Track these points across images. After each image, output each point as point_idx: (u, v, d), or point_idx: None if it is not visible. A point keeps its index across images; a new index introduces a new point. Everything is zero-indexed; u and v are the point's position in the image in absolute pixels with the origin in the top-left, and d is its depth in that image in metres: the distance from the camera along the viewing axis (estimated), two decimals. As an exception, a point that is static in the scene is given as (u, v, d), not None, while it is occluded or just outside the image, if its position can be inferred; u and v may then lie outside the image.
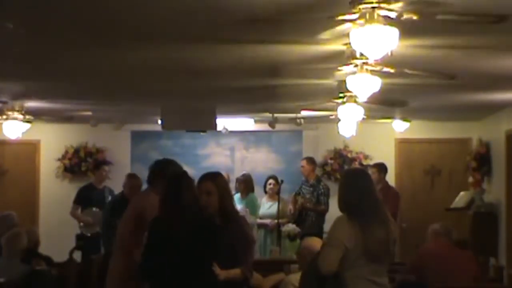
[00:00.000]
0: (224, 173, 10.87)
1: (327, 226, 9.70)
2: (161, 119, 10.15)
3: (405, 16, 4.10)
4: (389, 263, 4.62)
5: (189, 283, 4.49)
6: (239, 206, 9.25)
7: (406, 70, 5.79)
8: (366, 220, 4.34)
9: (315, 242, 5.41)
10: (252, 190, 9.92)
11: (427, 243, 6.41)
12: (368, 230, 4.32)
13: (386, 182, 10.02)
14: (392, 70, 5.71)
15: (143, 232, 4.93)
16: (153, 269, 4.57)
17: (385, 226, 4.41)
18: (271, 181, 10.00)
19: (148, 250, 4.63)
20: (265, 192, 10.08)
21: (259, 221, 9.71)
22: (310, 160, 10.21)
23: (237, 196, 9.77)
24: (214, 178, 4.88)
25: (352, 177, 4.64)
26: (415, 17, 4.10)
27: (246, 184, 9.86)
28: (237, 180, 10.10)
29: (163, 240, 4.55)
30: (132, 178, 8.45)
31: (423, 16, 4.12)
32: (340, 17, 4.21)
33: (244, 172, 10.38)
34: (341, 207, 4.50)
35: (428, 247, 6.33)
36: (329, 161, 11.83)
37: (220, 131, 11.32)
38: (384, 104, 7.97)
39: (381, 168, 9.92)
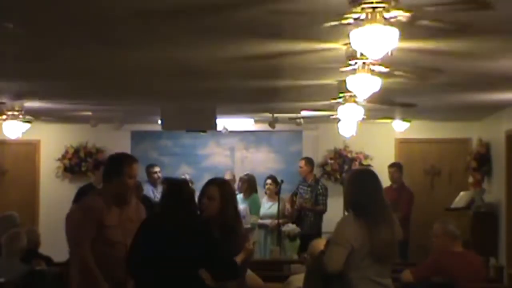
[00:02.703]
0: (228, 172, 10.91)
1: (325, 226, 9.76)
2: (161, 119, 10.15)
3: (406, 15, 4.10)
4: (393, 263, 4.62)
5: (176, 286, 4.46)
6: (241, 206, 9.26)
7: (397, 72, 5.80)
8: (373, 221, 4.34)
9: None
10: (255, 190, 9.92)
11: (441, 242, 6.03)
12: (374, 231, 4.31)
13: (403, 182, 10.10)
14: (387, 69, 5.71)
15: None
16: (138, 267, 4.54)
17: (391, 227, 4.42)
18: (268, 181, 10.01)
19: (136, 247, 4.59)
20: (265, 192, 10.09)
21: (259, 221, 9.72)
22: (308, 161, 10.23)
23: (239, 196, 9.78)
24: (220, 184, 4.84)
25: (361, 177, 4.62)
26: (408, 14, 4.09)
27: (249, 184, 9.86)
28: (241, 179, 10.10)
29: (152, 240, 4.51)
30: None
31: (420, 13, 4.11)
32: (340, 17, 4.21)
33: (248, 172, 10.38)
34: (348, 207, 4.49)
35: (446, 248, 5.99)
36: (329, 161, 11.83)
37: (220, 131, 11.33)
38: (392, 105, 7.95)
39: (400, 167, 10.18)
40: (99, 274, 4.89)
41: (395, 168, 10.20)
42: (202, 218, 4.69)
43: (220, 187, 4.78)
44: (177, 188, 4.69)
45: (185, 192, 4.63)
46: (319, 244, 5.59)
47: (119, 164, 5.13)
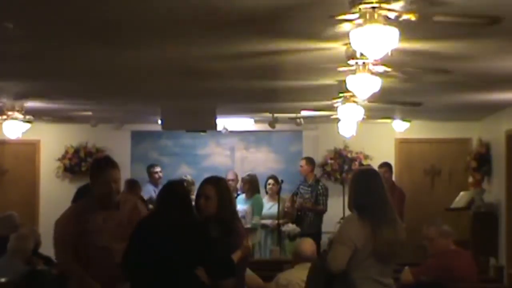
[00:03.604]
0: (231, 172, 10.88)
1: (325, 226, 9.77)
2: (161, 119, 10.15)
3: (404, 16, 4.10)
4: (395, 263, 4.63)
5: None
6: (243, 207, 9.24)
7: (408, 69, 5.79)
8: (376, 221, 4.34)
9: (309, 245, 5.71)
10: (258, 191, 9.89)
11: (438, 244, 6.13)
12: (378, 231, 4.32)
13: (393, 182, 10.09)
14: (391, 70, 5.71)
15: None
16: (134, 267, 4.53)
17: (394, 227, 4.42)
18: (270, 181, 10.00)
19: (131, 247, 4.58)
20: (266, 192, 10.08)
21: (261, 221, 9.71)
22: (309, 161, 10.25)
23: (241, 197, 9.77)
24: (216, 182, 4.81)
25: (365, 177, 4.61)
26: (413, 18, 4.10)
27: (251, 184, 9.83)
28: (242, 180, 10.08)
29: (148, 240, 4.51)
30: (130, 185, 8.56)
31: (421, 16, 4.11)
32: (340, 17, 4.21)
33: (249, 172, 10.37)
34: (352, 207, 4.50)
35: (445, 248, 6.07)
36: (329, 161, 11.83)
37: (220, 131, 11.33)
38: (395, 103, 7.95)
39: (390, 167, 10.14)
40: (88, 279, 4.85)
41: (386, 168, 10.10)
42: (198, 218, 4.68)
43: (216, 186, 4.76)
44: (172, 188, 4.69)
45: (180, 192, 4.63)
46: (304, 243, 5.70)
47: (93, 169, 5.12)
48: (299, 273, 5.50)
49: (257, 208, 9.59)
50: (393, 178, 10.46)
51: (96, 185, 5.00)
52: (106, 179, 4.93)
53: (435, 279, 5.82)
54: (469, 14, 4.22)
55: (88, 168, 11.39)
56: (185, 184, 4.91)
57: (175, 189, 4.67)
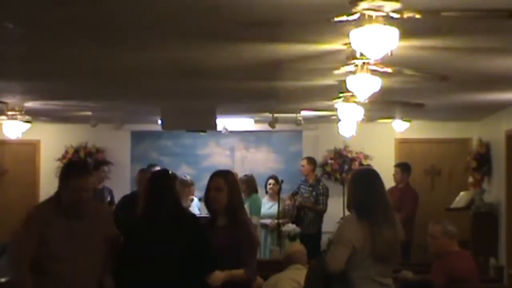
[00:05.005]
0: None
1: (325, 226, 9.76)
2: (161, 119, 10.15)
3: (407, 15, 4.10)
4: (395, 264, 4.63)
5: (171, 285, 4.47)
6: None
7: (405, 71, 5.79)
8: (375, 221, 4.34)
9: (299, 249, 5.81)
10: (256, 191, 9.88)
11: (441, 243, 6.09)
12: (377, 231, 4.32)
13: (408, 183, 10.05)
14: (391, 70, 5.71)
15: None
16: (129, 271, 4.53)
17: (393, 227, 4.42)
18: (271, 181, 10.00)
19: (123, 249, 4.59)
20: (266, 192, 10.08)
21: (260, 221, 9.71)
22: (311, 160, 10.25)
23: None
24: (225, 175, 4.92)
25: (364, 177, 4.62)
26: (417, 16, 4.09)
27: (248, 184, 9.83)
28: (240, 180, 10.09)
29: (142, 241, 4.52)
30: (141, 172, 8.50)
31: (426, 14, 4.10)
32: (340, 17, 4.21)
33: (247, 172, 10.38)
34: (351, 206, 4.50)
35: (447, 249, 5.95)
36: (329, 161, 11.83)
37: (220, 131, 11.33)
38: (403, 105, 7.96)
39: (404, 167, 10.09)
40: None
41: (397, 168, 10.10)
42: (185, 211, 4.76)
43: (226, 178, 4.86)
44: (155, 184, 4.75)
45: (167, 187, 4.68)
46: (294, 247, 5.75)
47: (63, 173, 4.68)
48: (290, 273, 5.60)
49: (254, 208, 9.59)
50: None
51: (64, 191, 4.59)
52: (76, 186, 4.54)
53: (425, 279, 5.83)
54: (481, 8, 4.18)
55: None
56: (170, 172, 4.98)
57: (159, 185, 4.71)
